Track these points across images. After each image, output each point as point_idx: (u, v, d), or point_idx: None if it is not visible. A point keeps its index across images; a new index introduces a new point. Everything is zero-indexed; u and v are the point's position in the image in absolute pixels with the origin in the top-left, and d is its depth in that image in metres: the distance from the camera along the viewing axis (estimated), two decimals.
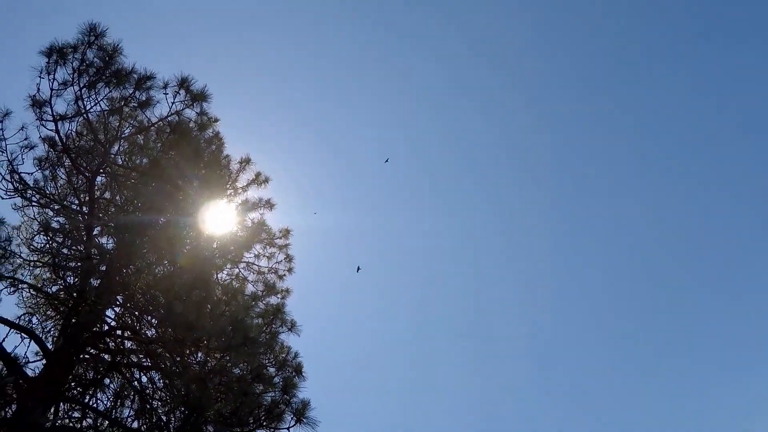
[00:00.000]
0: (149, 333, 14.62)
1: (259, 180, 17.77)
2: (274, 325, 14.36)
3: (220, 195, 16.87)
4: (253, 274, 17.78)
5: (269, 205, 17.96)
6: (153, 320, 14.57)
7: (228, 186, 17.46)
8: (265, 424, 12.53)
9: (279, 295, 17.20)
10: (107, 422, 13.52)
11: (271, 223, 18.24)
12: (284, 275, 17.90)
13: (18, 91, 14.59)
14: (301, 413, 12.49)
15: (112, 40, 14.50)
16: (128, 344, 14.64)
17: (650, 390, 48.19)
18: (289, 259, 18.05)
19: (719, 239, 53.56)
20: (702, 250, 53.96)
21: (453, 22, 52.90)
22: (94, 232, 15.15)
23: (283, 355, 13.97)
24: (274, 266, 17.93)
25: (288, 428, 12.46)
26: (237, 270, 17.58)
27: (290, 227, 18.41)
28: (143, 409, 13.75)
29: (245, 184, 17.76)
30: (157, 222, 15.08)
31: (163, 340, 13.86)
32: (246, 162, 17.52)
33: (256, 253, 17.92)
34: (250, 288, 17.22)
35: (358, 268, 25.10)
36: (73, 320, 13.65)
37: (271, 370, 13.58)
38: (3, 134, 14.68)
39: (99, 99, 14.74)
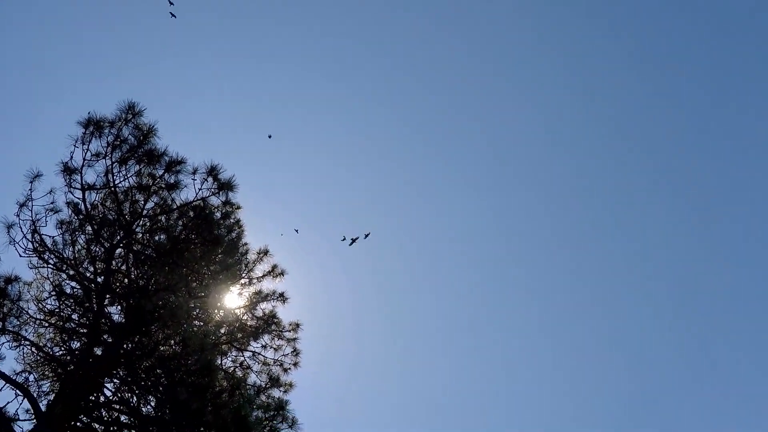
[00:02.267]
0: (146, 410, 14.55)
1: (275, 272, 17.92)
2: (275, 421, 14.35)
3: (234, 282, 17.00)
4: (258, 364, 17.68)
5: (282, 298, 18.03)
6: (152, 400, 14.51)
7: (244, 274, 17.61)
8: None
9: (282, 389, 17.15)
10: None
11: (282, 316, 18.21)
12: (289, 369, 17.87)
13: (49, 154, 14.92)
14: None
15: (148, 120, 14.95)
16: (123, 418, 14.56)
17: (650, 390, 48.04)
18: (296, 352, 18.00)
19: (720, 239, 53.44)
20: (703, 250, 53.82)
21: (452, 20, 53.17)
22: (105, 302, 15.21)
23: None
24: (280, 358, 17.92)
25: None
26: (242, 358, 17.56)
27: (301, 321, 18.46)
28: None
29: (261, 275, 17.93)
30: (169, 301, 15.16)
31: (160, 422, 13.80)
32: (264, 253, 17.72)
33: (264, 343, 17.89)
34: (253, 378, 17.17)
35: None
36: (71, 386, 13.66)
37: None
38: (31, 194, 14.96)
39: (128, 175, 15.11)
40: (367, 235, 23.19)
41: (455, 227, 54.52)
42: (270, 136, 27.16)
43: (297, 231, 23.97)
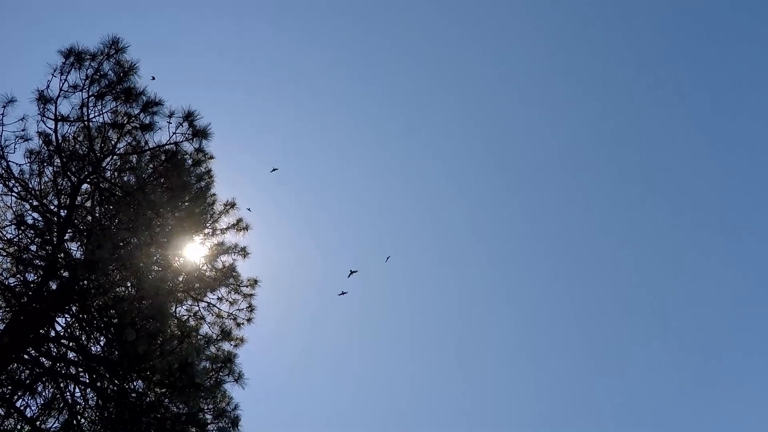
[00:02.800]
0: (94, 349, 14.45)
1: (239, 226, 17.83)
2: (221, 373, 14.30)
3: (198, 231, 16.89)
4: (212, 316, 17.67)
5: (244, 252, 17.95)
6: (101, 339, 14.40)
7: (208, 225, 17.49)
8: None
9: (233, 343, 17.11)
10: (29, 428, 13.33)
11: (241, 270, 18.21)
12: (243, 324, 17.83)
13: (26, 80, 14.72)
14: None
15: (130, 58, 14.71)
16: (71, 355, 14.47)
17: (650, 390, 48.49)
18: (251, 308, 17.96)
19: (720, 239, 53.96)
20: (703, 250, 54.29)
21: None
22: (66, 237, 15.07)
23: (224, 405, 13.88)
24: (234, 312, 17.87)
25: None
26: (197, 308, 17.50)
27: (260, 278, 18.39)
28: (70, 425, 13.55)
29: (225, 227, 17.83)
30: (130, 243, 15.04)
31: (107, 362, 13.72)
32: (230, 206, 17.59)
33: (220, 296, 17.87)
34: (205, 329, 17.16)
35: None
36: (21, 317, 13.56)
37: (208, 416, 13.50)
38: (2, 119, 14.76)
39: (104, 111, 14.89)
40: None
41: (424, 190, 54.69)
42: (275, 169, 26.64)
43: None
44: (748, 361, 49.43)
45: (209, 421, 13.27)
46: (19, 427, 13.49)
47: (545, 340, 53.09)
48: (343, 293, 23.47)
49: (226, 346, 16.70)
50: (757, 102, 52.34)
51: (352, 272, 23.45)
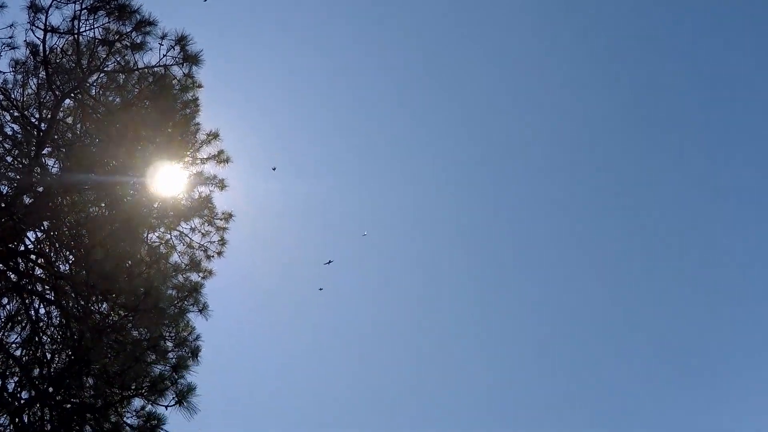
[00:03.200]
0: (63, 268, 14.33)
1: (220, 158, 17.57)
2: (186, 302, 14.20)
3: (177, 159, 16.68)
4: (183, 245, 17.59)
5: (221, 185, 17.74)
6: (70, 257, 14.27)
7: (189, 153, 17.26)
8: (145, 394, 12.35)
9: (201, 274, 17.04)
10: None
11: (217, 203, 18.04)
12: (213, 256, 17.73)
13: None
14: (184, 395, 12.33)
15: None
16: (38, 271, 14.33)
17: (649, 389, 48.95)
18: (222, 242, 17.86)
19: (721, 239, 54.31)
20: (703, 250, 54.66)
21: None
22: (44, 152, 14.85)
23: (185, 334, 13.80)
24: (206, 244, 17.76)
25: (167, 406, 12.30)
26: (169, 236, 17.37)
27: (234, 213, 18.24)
28: (31, 340, 13.47)
29: (206, 157, 17.60)
30: (108, 163, 14.85)
31: (73, 280, 13.60)
32: (213, 136, 17.31)
33: (193, 226, 17.75)
34: (175, 258, 17.06)
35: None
36: None
37: (169, 344, 13.40)
38: None
39: (95, 26, 14.62)
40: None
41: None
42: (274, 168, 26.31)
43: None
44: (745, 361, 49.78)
45: (170, 349, 13.15)
46: None
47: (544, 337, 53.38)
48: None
49: (194, 276, 16.66)
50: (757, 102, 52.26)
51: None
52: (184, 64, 14.99)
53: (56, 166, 15.27)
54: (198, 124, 17.00)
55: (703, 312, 53.13)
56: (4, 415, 11.85)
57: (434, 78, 56.02)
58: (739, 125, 53.45)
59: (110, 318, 13.20)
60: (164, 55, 14.90)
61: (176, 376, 12.56)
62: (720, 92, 53.08)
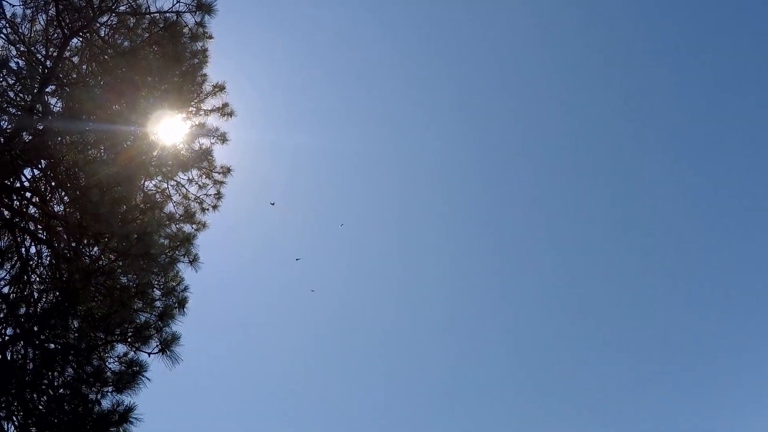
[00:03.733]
0: (57, 209, 14.25)
1: (224, 111, 17.46)
2: (177, 252, 14.16)
3: (181, 108, 16.57)
4: (179, 196, 17.55)
5: (223, 138, 17.66)
6: (65, 198, 14.19)
7: (193, 104, 17.15)
8: (129, 341, 12.33)
9: (194, 226, 17.01)
10: None
11: (217, 156, 17.95)
12: (207, 209, 17.68)
13: None
14: (168, 344, 12.34)
15: None
16: (32, 210, 14.27)
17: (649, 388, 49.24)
18: (218, 196, 17.82)
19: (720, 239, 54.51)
20: (702, 250, 54.84)
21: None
22: (47, 89, 14.72)
23: (174, 284, 13.78)
24: (201, 196, 17.71)
25: (149, 353, 12.29)
26: (165, 186, 17.32)
27: (233, 168, 18.16)
28: (20, 278, 13.41)
29: (210, 109, 17.49)
30: (111, 107, 14.73)
31: (66, 220, 13.54)
32: (219, 88, 17.19)
33: (191, 177, 17.69)
34: (170, 207, 17.01)
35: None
36: None
37: (157, 292, 13.36)
38: None
39: None
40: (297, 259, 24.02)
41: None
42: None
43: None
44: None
45: (157, 298, 13.10)
46: None
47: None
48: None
49: (187, 228, 16.62)
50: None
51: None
52: (197, 13, 14.83)
53: (59, 105, 15.14)
54: (205, 75, 16.89)
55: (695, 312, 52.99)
56: None
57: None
58: (739, 125, 52.95)
59: (100, 261, 13.11)
60: (177, 2, 14.76)
61: (161, 325, 12.55)
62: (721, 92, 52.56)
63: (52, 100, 15.11)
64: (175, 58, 14.95)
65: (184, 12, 14.92)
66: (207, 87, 17.06)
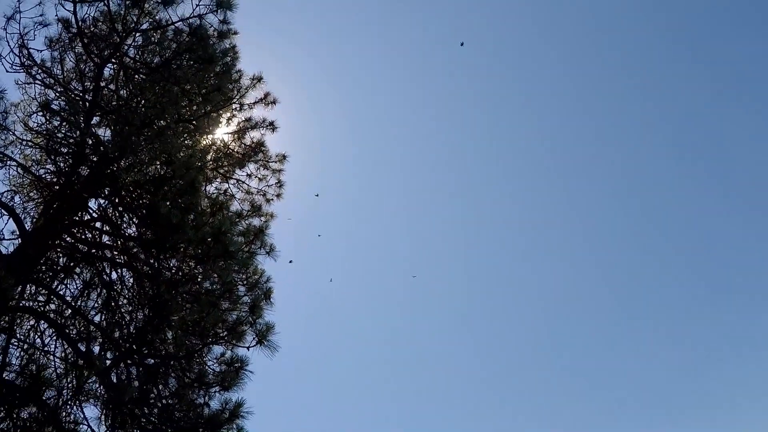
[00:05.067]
0: (129, 232, 14.50)
1: (267, 100, 17.56)
2: (253, 245, 14.29)
3: (225, 107, 16.71)
4: (242, 192, 17.72)
5: (272, 127, 17.75)
6: (134, 219, 14.42)
7: (235, 100, 17.26)
8: (226, 339, 12.47)
9: (263, 218, 17.14)
10: (70, 310, 13.49)
11: (270, 146, 18.04)
12: (272, 199, 17.84)
13: None
14: (263, 335, 12.43)
15: None
16: (105, 239, 14.54)
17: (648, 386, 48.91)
18: (280, 184, 17.94)
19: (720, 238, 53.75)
20: (703, 249, 54.19)
21: None
22: (93, 121, 14.93)
23: (256, 277, 13.85)
24: (263, 188, 17.84)
25: (248, 347, 12.42)
26: (226, 185, 17.50)
27: (289, 154, 18.26)
28: (108, 304, 13.69)
29: (252, 102, 17.59)
30: (158, 123, 14.89)
31: (141, 240, 13.76)
32: (257, 80, 17.23)
33: (249, 172, 17.84)
34: (235, 206, 17.17)
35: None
36: (56, 205, 13.57)
37: (242, 289, 13.49)
38: (19, 6, 14.57)
39: None
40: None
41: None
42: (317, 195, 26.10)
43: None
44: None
45: (242, 294, 13.23)
46: (61, 309, 13.72)
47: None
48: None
49: (256, 221, 16.70)
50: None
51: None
52: (218, 11, 14.94)
53: (107, 132, 15.36)
54: (240, 70, 16.94)
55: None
56: (93, 377, 12.04)
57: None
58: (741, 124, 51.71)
59: (181, 271, 13.31)
60: (197, 5, 14.87)
61: (253, 319, 12.68)
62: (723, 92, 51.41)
63: (100, 131, 15.34)
64: (207, 60, 15.03)
65: (206, 13, 15.02)
66: (245, 81, 17.12)
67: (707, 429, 45.82)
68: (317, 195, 24.19)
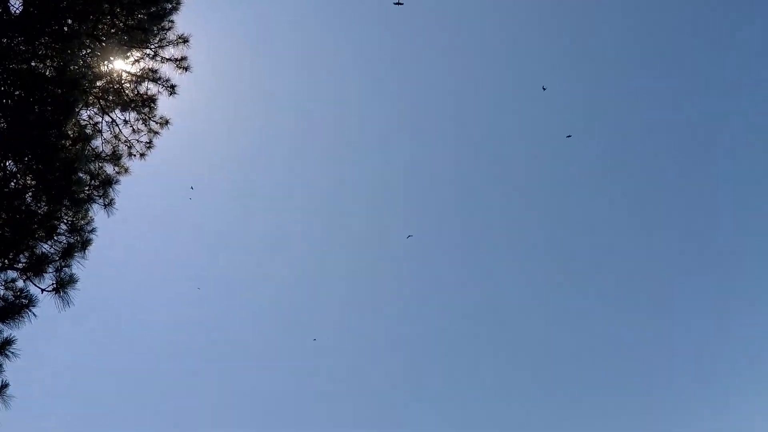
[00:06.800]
0: None
1: (181, 64, 17.10)
2: (95, 192, 13.74)
3: (138, 47, 16.32)
4: (110, 134, 17.32)
5: (172, 89, 17.31)
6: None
7: (152, 46, 16.73)
8: (23, 270, 11.89)
9: (117, 168, 16.89)
10: None
11: (161, 107, 17.76)
12: (135, 156, 17.72)
13: None
14: (64, 284, 12.20)
15: None
16: None
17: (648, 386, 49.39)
18: (149, 145, 17.93)
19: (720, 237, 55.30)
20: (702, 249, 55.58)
21: None
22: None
23: (83, 222, 13.35)
24: (132, 141, 17.55)
25: (43, 289, 12.02)
26: (100, 119, 16.92)
27: (172, 121, 17.98)
28: None
29: (167, 57, 17.05)
30: (72, 28, 14.21)
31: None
32: (183, 40, 17.00)
33: (127, 119, 17.45)
34: (98, 142, 16.60)
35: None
36: None
37: (63, 226, 12.95)
38: None
39: None
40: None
41: None
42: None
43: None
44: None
45: (62, 232, 12.61)
46: None
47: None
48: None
49: (109, 169, 16.10)
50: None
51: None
52: None
53: (21, 6, 14.51)
54: (173, 21, 16.45)
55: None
56: None
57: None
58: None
59: (17, 179, 12.62)
60: None
61: (62, 263, 12.14)
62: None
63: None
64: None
65: None
66: (172, 35, 16.60)
67: (707, 429, 47.00)
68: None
